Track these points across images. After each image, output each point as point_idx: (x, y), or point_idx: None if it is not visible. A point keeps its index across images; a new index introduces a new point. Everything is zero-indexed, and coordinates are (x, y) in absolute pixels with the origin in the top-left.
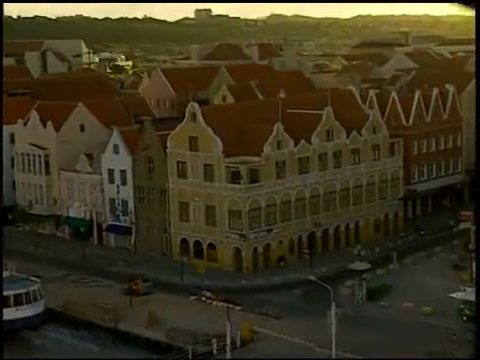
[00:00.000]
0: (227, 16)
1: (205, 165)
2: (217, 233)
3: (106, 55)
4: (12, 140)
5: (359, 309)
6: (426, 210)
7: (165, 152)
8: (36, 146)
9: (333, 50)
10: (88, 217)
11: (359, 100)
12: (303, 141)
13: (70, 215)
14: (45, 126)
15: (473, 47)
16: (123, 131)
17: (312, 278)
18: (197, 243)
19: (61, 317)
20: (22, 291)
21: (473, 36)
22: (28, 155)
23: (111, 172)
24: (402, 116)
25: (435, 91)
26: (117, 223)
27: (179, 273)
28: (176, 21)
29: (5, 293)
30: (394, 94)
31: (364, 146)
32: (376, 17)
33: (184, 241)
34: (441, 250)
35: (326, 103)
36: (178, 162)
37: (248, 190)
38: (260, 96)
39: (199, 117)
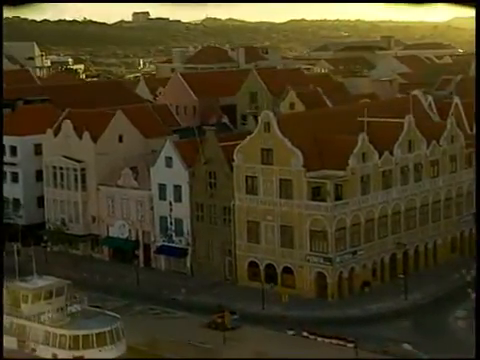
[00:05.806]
0: (167, 19)
1: (280, 180)
2: (295, 256)
3: (55, 58)
4: (37, 152)
5: None
6: None
7: (230, 166)
8: (71, 159)
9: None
10: (133, 237)
11: (426, 107)
12: (386, 153)
13: (111, 235)
14: (80, 137)
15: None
16: (176, 142)
17: None
18: (269, 267)
19: (147, 358)
20: (105, 329)
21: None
22: (61, 169)
23: (162, 187)
24: (466, 124)
25: None
26: (169, 244)
27: (254, 301)
28: (114, 24)
29: (85, 332)
30: (457, 100)
31: (443, 157)
32: (311, 22)
33: (253, 265)
34: None
35: (405, 111)
36: (247, 177)
37: (334, 208)
38: (328, 103)
39: (274, 127)
